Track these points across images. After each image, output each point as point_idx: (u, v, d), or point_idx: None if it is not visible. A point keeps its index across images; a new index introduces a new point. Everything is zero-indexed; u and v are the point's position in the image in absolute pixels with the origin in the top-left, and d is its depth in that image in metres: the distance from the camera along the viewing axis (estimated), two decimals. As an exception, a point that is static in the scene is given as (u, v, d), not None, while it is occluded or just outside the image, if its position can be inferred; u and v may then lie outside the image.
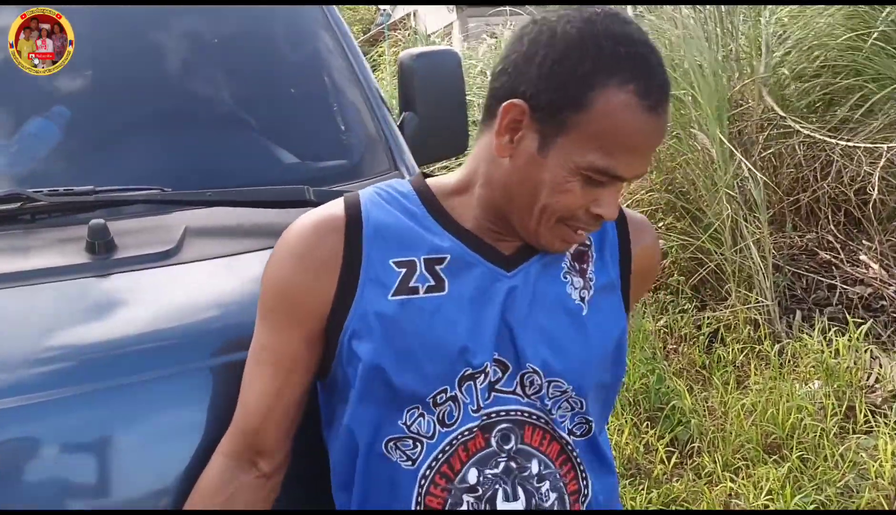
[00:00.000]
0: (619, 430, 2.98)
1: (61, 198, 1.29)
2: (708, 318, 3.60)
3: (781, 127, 4.00)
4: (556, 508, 1.02)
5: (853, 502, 2.51)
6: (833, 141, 3.74)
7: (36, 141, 1.46)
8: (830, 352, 3.12)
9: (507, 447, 0.99)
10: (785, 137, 4.04)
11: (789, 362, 3.21)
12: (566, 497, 1.02)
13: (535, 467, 1.00)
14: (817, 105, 4.32)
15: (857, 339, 3.17)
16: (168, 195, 1.33)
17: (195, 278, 1.22)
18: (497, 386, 0.99)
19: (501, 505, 0.98)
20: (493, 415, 0.99)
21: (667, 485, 2.76)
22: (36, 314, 1.13)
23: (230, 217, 1.36)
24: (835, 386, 2.98)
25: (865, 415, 2.84)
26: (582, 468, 1.04)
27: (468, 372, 0.97)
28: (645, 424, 3.03)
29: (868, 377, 3.13)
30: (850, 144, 3.71)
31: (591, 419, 1.05)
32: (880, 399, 2.98)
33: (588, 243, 1.06)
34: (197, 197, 1.33)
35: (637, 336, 3.37)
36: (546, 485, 1.01)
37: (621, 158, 0.91)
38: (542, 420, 1.01)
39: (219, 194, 1.33)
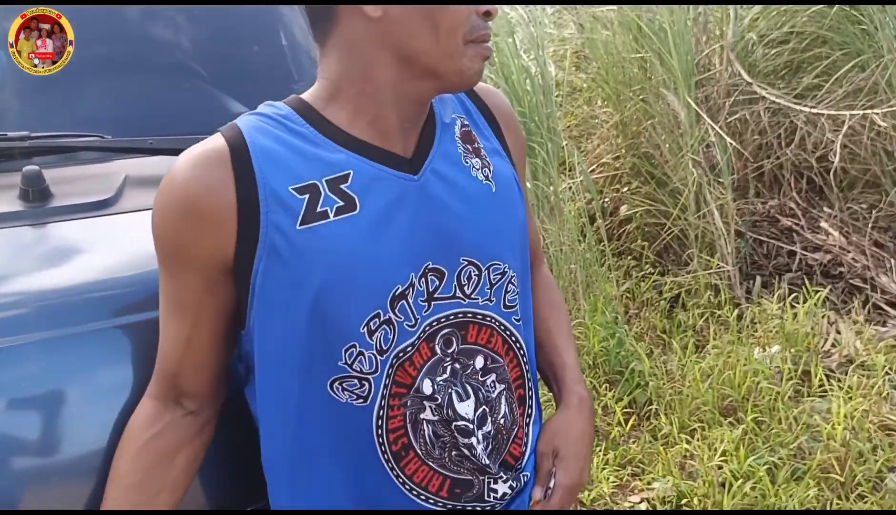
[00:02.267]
0: (578, 392, 2.99)
1: (-5, 143, 1.24)
2: (669, 283, 3.61)
3: (747, 93, 4.00)
4: (503, 398, 1.04)
5: (805, 463, 2.55)
6: (798, 108, 3.75)
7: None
8: (789, 317, 3.15)
9: (449, 351, 0.99)
10: (750, 103, 4.04)
11: (748, 327, 3.24)
12: (510, 384, 1.05)
13: (479, 362, 1.02)
14: (783, 72, 4.33)
15: (815, 305, 3.21)
16: (107, 142, 1.29)
17: (133, 228, 1.18)
18: (436, 295, 0.98)
19: (458, 407, 0.99)
20: (434, 324, 0.98)
21: (623, 447, 2.78)
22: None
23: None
24: (792, 351, 3.01)
25: (821, 379, 2.88)
26: (523, 352, 1.07)
27: (399, 290, 0.95)
28: (604, 386, 3.05)
29: (825, 343, 3.18)
30: (815, 111, 3.72)
31: (528, 297, 1.09)
32: (836, 364, 3.03)
33: (465, 121, 1.07)
34: (138, 145, 1.28)
35: (599, 301, 3.37)
36: (491, 377, 1.03)
37: None
38: (487, 318, 1.02)
39: (161, 142, 1.29)
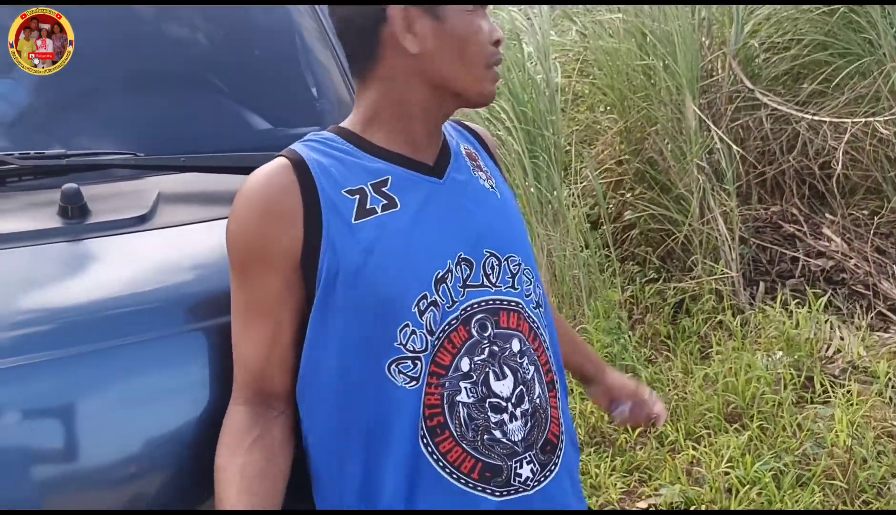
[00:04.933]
0: (583, 398, 3.03)
1: (33, 161, 1.26)
2: (673, 289, 3.65)
3: (750, 99, 4.04)
4: (535, 380, 1.13)
5: (810, 469, 2.59)
6: (800, 115, 3.79)
7: (2, 103, 1.42)
8: (792, 323, 3.19)
9: (485, 334, 1.09)
10: (753, 109, 4.07)
11: (751, 333, 3.27)
12: (540, 368, 1.15)
13: (515, 345, 1.11)
14: (785, 78, 4.37)
15: (818, 311, 3.25)
16: (141, 160, 1.31)
17: (169, 243, 1.21)
18: (468, 282, 1.09)
19: (494, 385, 1.08)
20: (469, 308, 1.08)
21: (630, 453, 2.81)
22: (8, 279, 1.10)
23: (203, 183, 1.34)
24: (795, 357, 3.05)
25: (823, 385, 2.92)
26: (545, 338, 1.18)
27: (440, 274, 1.06)
28: (610, 392, 3.07)
29: (828, 348, 3.21)
30: (817, 118, 3.76)
31: (541, 289, 1.21)
32: (838, 370, 3.06)
33: (467, 145, 1.23)
34: (170, 162, 1.31)
35: (602, 306, 3.41)
36: (526, 360, 1.12)
37: None
38: (513, 304, 1.12)
39: (192, 160, 1.31)
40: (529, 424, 1.10)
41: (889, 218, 3.79)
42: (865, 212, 3.85)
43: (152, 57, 1.56)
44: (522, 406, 1.10)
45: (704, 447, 2.73)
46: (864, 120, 3.59)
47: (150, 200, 1.25)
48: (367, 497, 1.07)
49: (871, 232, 3.63)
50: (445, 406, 1.05)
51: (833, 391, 2.87)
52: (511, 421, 1.09)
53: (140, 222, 1.21)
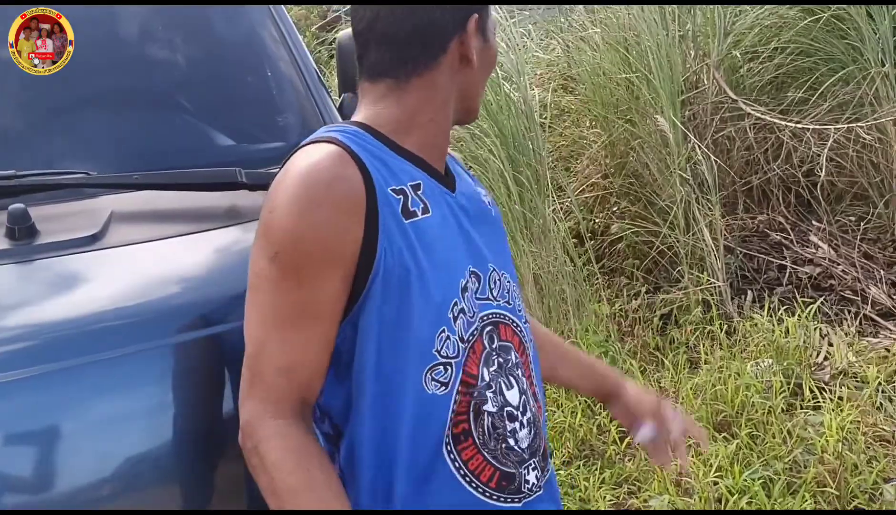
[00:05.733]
0: (572, 412, 3.00)
1: (-20, 183, 1.25)
2: (661, 300, 3.63)
3: (734, 109, 4.04)
4: (528, 390, 1.14)
5: (800, 476, 2.56)
6: (783, 123, 3.79)
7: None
8: (780, 331, 3.17)
9: (493, 347, 1.10)
10: (737, 119, 4.08)
11: (740, 341, 3.25)
12: (525, 380, 1.15)
13: (513, 357, 1.13)
14: (769, 87, 4.37)
15: (806, 318, 3.23)
16: (92, 179, 1.31)
17: (119, 263, 1.20)
18: (477, 294, 1.10)
19: (507, 394, 1.10)
20: (483, 319, 1.10)
21: (619, 465, 2.79)
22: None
23: (158, 201, 1.33)
24: (784, 364, 3.03)
25: (813, 392, 2.89)
26: (530, 353, 1.19)
27: (464, 283, 1.07)
28: (598, 406, 3.05)
29: (817, 355, 3.19)
30: (800, 126, 3.76)
31: (523, 303, 1.22)
32: (828, 376, 3.04)
33: (455, 164, 1.23)
34: (122, 180, 1.30)
35: (591, 320, 3.39)
36: (520, 371, 1.14)
37: None
38: (508, 318, 1.14)
39: (145, 178, 1.31)
40: (532, 432, 1.13)
41: (876, 224, 3.78)
42: (852, 218, 3.84)
43: (110, 74, 1.56)
44: (526, 415, 1.12)
45: (693, 457, 2.70)
46: (846, 126, 3.59)
47: (102, 219, 1.25)
48: (379, 498, 1.04)
49: (858, 238, 3.62)
50: (471, 414, 1.05)
51: (823, 398, 2.85)
52: (521, 429, 1.10)
53: (91, 242, 1.21)
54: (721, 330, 3.27)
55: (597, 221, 4.11)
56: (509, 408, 1.10)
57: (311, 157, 1.00)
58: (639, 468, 2.75)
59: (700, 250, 3.58)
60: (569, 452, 2.88)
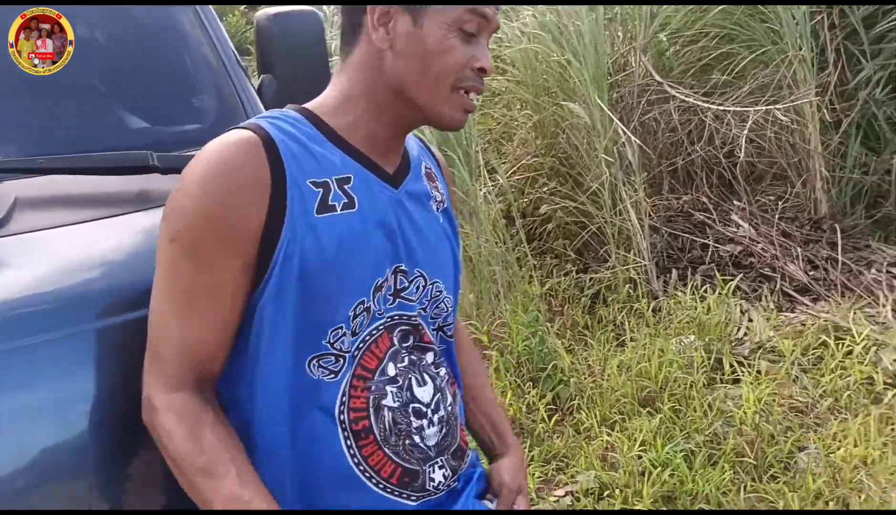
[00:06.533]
0: (502, 392, 3.04)
1: None
2: (590, 280, 3.70)
3: (660, 92, 4.13)
4: (448, 390, 1.16)
5: (720, 448, 2.65)
6: (706, 105, 3.88)
7: None
8: (703, 308, 3.26)
9: (405, 345, 1.11)
10: (663, 101, 4.16)
11: (664, 319, 3.34)
12: (444, 379, 1.16)
13: (430, 357, 1.14)
14: (694, 70, 4.47)
15: (727, 295, 3.33)
16: (-5, 163, 1.26)
17: (25, 250, 1.16)
18: (402, 294, 1.11)
19: (416, 391, 1.10)
20: (396, 318, 1.10)
21: (548, 442, 2.84)
22: None
23: (66, 186, 1.29)
24: (706, 340, 3.12)
25: (733, 366, 2.99)
26: (452, 364, 1.21)
27: (379, 282, 1.06)
28: (528, 385, 3.10)
29: (738, 330, 3.30)
30: (722, 108, 3.86)
31: (456, 315, 1.22)
32: (748, 351, 3.14)
33: (428, 164, 1.22)
34: (26, 165, 1.26)
35: (520, 300, 3.43)
36: (442, 370, 1.16)
37: (480, 9, 1.04)
38: (427, 325, 1.14)
39: (51, 161, 1.26)
40: (444, 430, 1.13)
41: (794, 202, 3.92)
42: (772, 198, 3.97)
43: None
44: (439, 413, 1.12)
45: (618, 432, 2.77)
46: (764, 108, 3.70)
47: (6, 205, 1.21)
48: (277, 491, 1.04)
49: (777, 217, 3.74)
50: (371, 410, 1.05)
51: (742, 372, 2.95)
52: (429, 427, 1.10)
53: (-7, 229, 1.16)
54: (647, 308, 3.36)
55: (528, 201, 4.15)
56: (416, 405, 1.10)
57: (222, 142, 0.99)
58: (567, 444, 2.81)
59: (627, 230, 3.65)
60: (499, 430, 2.92)
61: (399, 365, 1.09)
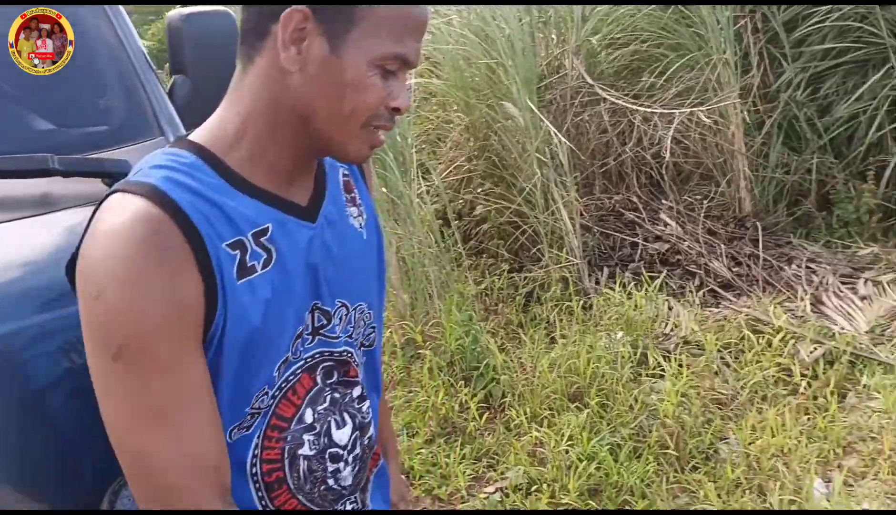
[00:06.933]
0: (435, 391, 3.07)
1: None
2: (524, 279, 3.75)
3: (592, 94, 4.21)
4: (372, 422, 1.10)
5: (645, 440, 2.71)
6: (634, 107, 3.97)
7: None
8: (631, 305, 3.34)
9: (329, 382, 1.03)
10: (595, 103, 4.25)
11: (595, 316, 3.40)
12: (364, 415, 1.09)
13: (356, 392, 1.07)
14: (626, 73, 4.57)
15: (653, 291, 3.41)
16: None
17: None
18: (322, 332, 1.01)
19: (335, 434, 1.03)
20: (317, 356, 1.01)
21: (479, 440, 2.87)
22: None
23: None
24: (633, 336, 3.19)
25: (659, 361, 3.07)
26: (377, 380, 1.15)
27: (298, 331, 0.98)
28: (460, 384, 3.13)
29: (665, 326, 3.38)
30: (649, 110, 3.95)
31: (381, 331, 1.15)
32: (673, 345, 3.23)
33: (346, 171, 1.11)
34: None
35: (453, 300, 3.46)
36: (366, 404, 1.09)
37: (409, 43, 0.92)
38: (352, 354, 1.06)
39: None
40: (357, 468, 1.08)
41: (719, 201, 4.03)
42: (698, 197, 4.08)
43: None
44: (355, 452, 1.07)
45: (547, 428, 2.82)
46: (689, 110, 3.80)
47: None
48: None
49: (703, 215, 3.85)
50: (286, 460, 0.99)
51: (669, 366, 3.02)
52: (344, 468, 1.06)
53: None
54: (577, 306, 3.42)
55: (463, 202, 4.19)
56: (334, 449, 1.04)
57: (121, 220, 0.83)
58: (498, 441, 2.85)
59: (559, 229, 3.71)
60: (431, 430, 2.95)
61: (318, 409, 1.01)
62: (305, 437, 1.00)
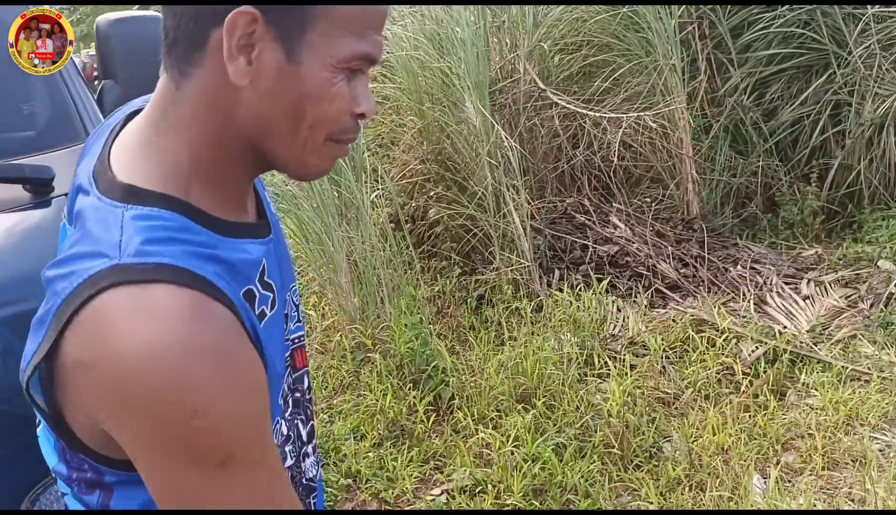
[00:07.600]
0: (383, 394, 3.08)
1: None
2: (475, 281, 3.77)
3: (544, 98, 4.25)
4: (312, 409, 1.04)
5: (589, 439, 2.75)
6: (584, 111, 4.02)
7: None
8: (577, 307, 3.37)
9: (290, 384, 0.97)
10: (547, 107, 4.29)
11: (544, 318, 3.44)
12: (311, 405, 1.05)
13: (306, 382, 1.01)
14: (578, 77, 4.63)
15: (601, 293, 3.45)
16: None
17: None
18: (290, 338, 0.97)
19: (303, 434, 0.99)
20: (287, 360, 0.96)
21: (426, 442, 2.88)
22: None
23: None
24: (581, 337, 3.23)
25: (606, 362, 3.11)
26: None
27: (290, 351, 0.95)
28: (409, 386, 3.14)
29: (613, 327, 3.43)
30: (600, 114, 4.00)
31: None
32: (620, 346, 3.27)
33: None
34: None
35: (403, 304, 3.47)
36: (309, 394, 1.02)
37: (371, 38, 0.81)
38: (302, 339, 1.01)
39: None
40: (315, 453, 1.06)
41: (668, 204, 4.10)
42: (648, 200, 4.14)
43: None
44: (313, 441, 1.04)
45: (494, 429, 2.84)
46: (636, 114, 3.86)
47: None
48: None
49: (651, 217, 3.90)
50: None
51: (616, 367, 3.06)
52: (307, 461, 1.02)
53: None
54: (527, 308, 3.45)
55: (415, 206, 4.20)
56: (304, 449, 1.01)
57: (183, 327, 0.72)
58: (445, 443, 2.86)
59: (511, 232, 3.74)
60: (379, 433, 2.96)
61: (287, 416, 0.95)
62: (287, 449, 0.95)
